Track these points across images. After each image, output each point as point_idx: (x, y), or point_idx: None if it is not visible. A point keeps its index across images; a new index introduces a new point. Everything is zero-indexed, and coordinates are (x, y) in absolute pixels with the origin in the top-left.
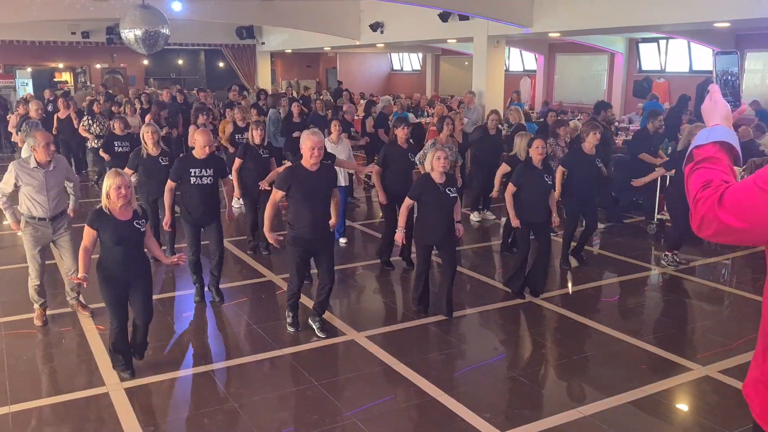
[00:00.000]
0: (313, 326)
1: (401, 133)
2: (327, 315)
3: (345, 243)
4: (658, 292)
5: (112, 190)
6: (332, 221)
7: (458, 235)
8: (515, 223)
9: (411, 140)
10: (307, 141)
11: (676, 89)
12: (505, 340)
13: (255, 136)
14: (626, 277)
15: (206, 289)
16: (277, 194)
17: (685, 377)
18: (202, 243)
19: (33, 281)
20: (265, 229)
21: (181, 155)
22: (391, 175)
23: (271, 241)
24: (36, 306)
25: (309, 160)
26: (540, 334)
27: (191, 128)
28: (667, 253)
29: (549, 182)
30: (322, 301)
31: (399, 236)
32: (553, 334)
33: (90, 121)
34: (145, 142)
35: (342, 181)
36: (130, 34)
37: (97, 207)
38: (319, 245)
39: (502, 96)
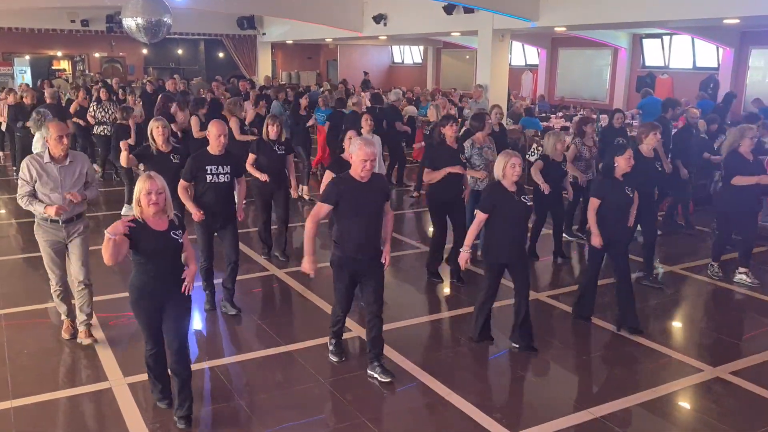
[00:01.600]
0: (374, 374)
1: (450, 132)
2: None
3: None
4: (671, 293)
5: (142, 196)
6: (385, 248)
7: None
8: (597, 241)
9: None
10: (359, 152)
11: (680, 86)
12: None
13: (270, 131)
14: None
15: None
16: (322, 209)
17: (696, 378)
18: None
19: (53, 287)
20: (306, 253)
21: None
22: (440, 180)
23: (308, 270)
24: (62, 317)
25: (359, 172)
26: (550, 333)
27: (193, 120)
28: (713, 263)
29: (630, 195)
30: (375, 338)
31: (464, 257)
32: (563, 334)
33: (95, 107)
34: (154, 139)
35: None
36: (131, 22)
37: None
38: (368, 267)
39: (506, 90)
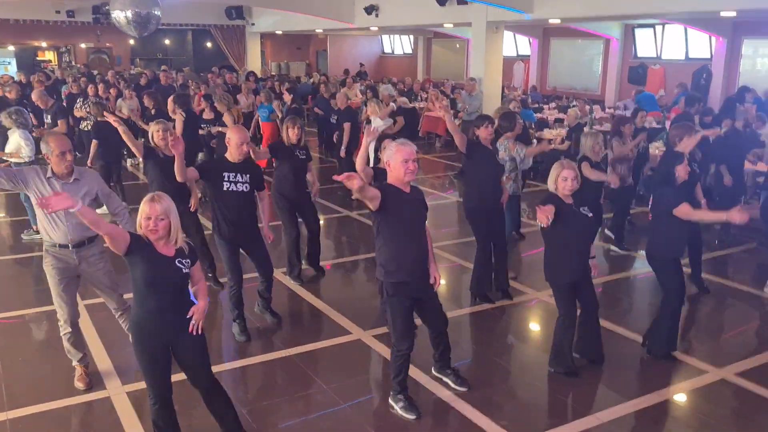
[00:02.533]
0: (447, 380)
1: (485, 134)
2: (333, 314)
3: None
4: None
5: (142, 220)
6: (432, 266)
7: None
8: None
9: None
10: (397, 154)
11: (672, 76)
12: (520, 342)
13: (291, 135)
14: (634, 272)
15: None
16: (371, 191)
17: (701, 380)
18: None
19: (62, 328)
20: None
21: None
22: (477, 187)
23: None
24: (74, 362)
25: (402, 177)
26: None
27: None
28: None
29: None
30: (443, 352)
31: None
32: None
33: (81, 103)
34: (156, 144)
35: None
36: (121, 15)
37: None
38: (425, 290)
39: (500, 82)
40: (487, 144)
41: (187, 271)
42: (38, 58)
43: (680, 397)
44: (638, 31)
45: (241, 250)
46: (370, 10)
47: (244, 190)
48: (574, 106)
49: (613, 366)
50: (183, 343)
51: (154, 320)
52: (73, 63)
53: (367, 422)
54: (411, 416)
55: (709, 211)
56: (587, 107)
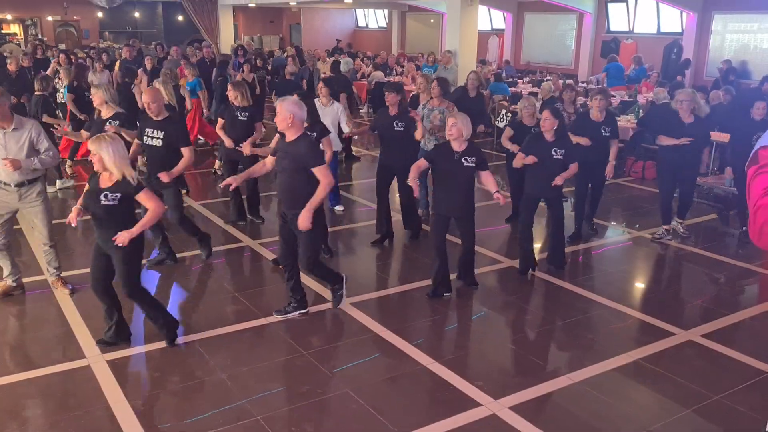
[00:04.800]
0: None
1: (390, 99)
2: (312, 284)
3: (342, 210)
4: (642, 258)
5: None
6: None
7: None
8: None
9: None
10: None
11: (644, 50)
12: (493, 307)
13: (231, 97)
14: (608, 240)
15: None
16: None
17: (669, 342)
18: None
19: None
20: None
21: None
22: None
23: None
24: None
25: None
26: (525, 299)
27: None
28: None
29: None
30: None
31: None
32: (539, 300)
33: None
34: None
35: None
36: None
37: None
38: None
39: (475, 56)
40: (393, 110)
41: (108, 203)
42: (3, 31)
43: (649, 357)
44: (611, 6)
45: None
46: None
47: (158, 144)
48: (548, 80)
49: (583, 327)
50: (111, 256)
51: (94, 231)
52: (40, 36)
53: (346, 385)
54: (303, 309)
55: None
56: (560, 81)
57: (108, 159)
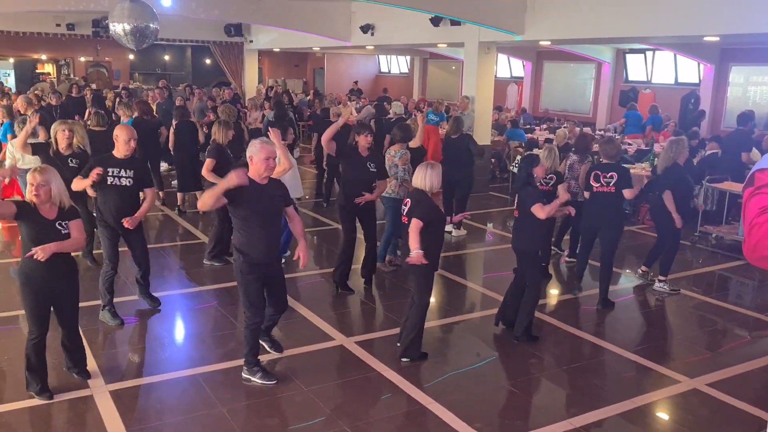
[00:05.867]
0: (264, 345)
1: (363, 141)
2: (315, 319)
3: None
4: (645, 303)
5: (28, 187)
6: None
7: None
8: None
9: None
10: (261, 152)
11: (662, 100)
12: (495, 349)
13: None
14: (612, 287)
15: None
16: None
17: (674, 389)
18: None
19: None
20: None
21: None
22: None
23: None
24: None
25: (262, 173)
26: (526, 342)
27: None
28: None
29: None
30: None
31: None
32: (541, 343)
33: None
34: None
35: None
36: (118, 27)
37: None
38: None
39: (492, 102)
40: (363, 151)
41: (66, 231)
42: (37, 71)
43: (651, 405)
44: (629, 56)
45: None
46: (366, 29)
47: (127, 184)
48: (564, 127)
49: (589, 373)
50: (62, 291)
51: (40, 269)
52: (72, 76)
53: (346, 423)
54: (271, 382)
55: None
56: (577, 129)
57: (55, 190)
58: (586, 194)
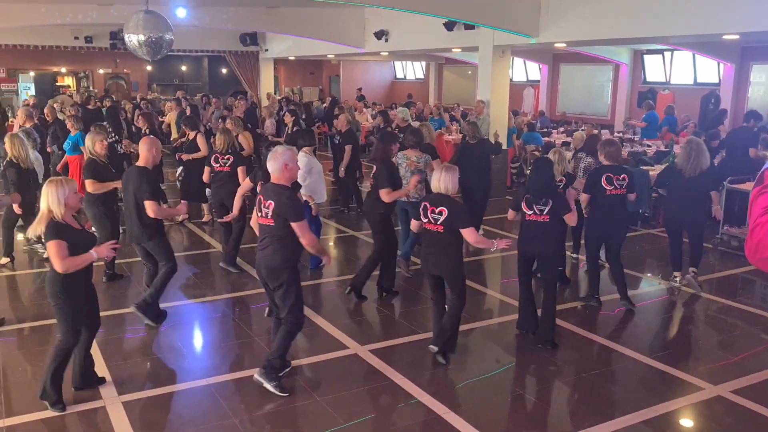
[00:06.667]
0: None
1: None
2: (329, 328)
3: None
4: (666, 308)
5: (71, 195)
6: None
7: None
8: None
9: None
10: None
11: (681, 101)
12: (511, 356)
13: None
14: (633, 291)
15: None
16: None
17: (697, 396)
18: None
19: None
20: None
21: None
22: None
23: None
24: None
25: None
26: (545, 349)
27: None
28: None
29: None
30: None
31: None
32: (561, 350)
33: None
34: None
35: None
36: (134, 39)
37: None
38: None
39: (507, 106)
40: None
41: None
42: (57, 84)
43: (675, 412)
44: (647, 57)
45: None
46: (380, 35)
47: None
48: (582, 130)
49: (609, 380)
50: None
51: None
52: (91, 88)
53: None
54: (284, 394)
55: None
56: (594, 131)
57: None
58: (585, 197)
